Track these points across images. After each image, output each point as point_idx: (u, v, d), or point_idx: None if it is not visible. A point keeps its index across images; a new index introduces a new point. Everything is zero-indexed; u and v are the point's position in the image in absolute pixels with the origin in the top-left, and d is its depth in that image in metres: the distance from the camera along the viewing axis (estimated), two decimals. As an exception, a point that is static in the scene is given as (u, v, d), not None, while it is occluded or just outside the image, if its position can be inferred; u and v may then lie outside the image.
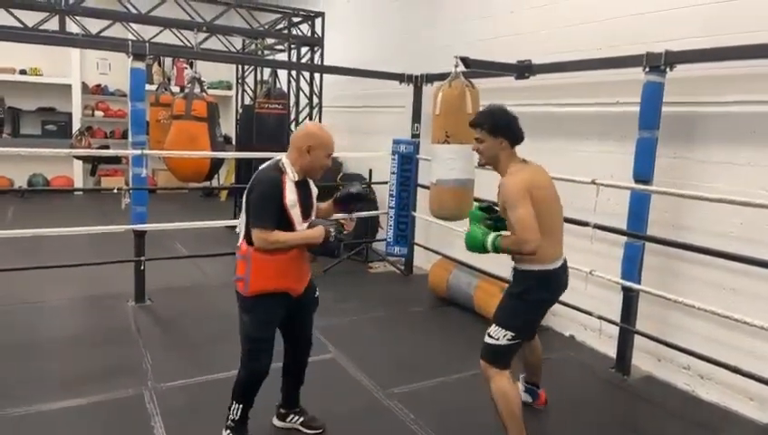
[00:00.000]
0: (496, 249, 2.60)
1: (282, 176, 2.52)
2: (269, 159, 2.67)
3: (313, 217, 2.67)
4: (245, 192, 2.58)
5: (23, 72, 9.89)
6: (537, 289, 2.68)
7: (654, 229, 3.73)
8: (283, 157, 2.60)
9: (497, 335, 2.66)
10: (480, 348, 2.74)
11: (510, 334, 2.64)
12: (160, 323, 4.49)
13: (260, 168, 2.62)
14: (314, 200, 2.73)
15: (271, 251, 2.50)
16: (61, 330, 4.21)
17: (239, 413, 2.72)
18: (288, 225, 2.52)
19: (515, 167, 2.68)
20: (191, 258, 5.85)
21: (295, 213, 2.53)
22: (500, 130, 2.67)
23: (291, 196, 2.50)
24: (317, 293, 2.87)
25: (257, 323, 2.63)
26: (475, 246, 2.67)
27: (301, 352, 2.91)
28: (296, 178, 2.55)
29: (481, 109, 2.89)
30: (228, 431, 2.75)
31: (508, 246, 2.56)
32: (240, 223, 2.65)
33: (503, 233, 2.66)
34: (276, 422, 2.99)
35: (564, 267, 2.77)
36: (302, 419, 2.96)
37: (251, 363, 2.68)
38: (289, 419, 2.97)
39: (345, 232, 2.68)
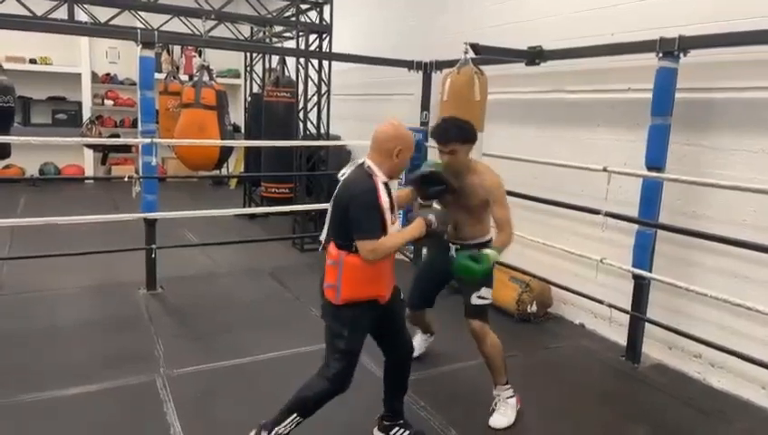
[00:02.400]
0: (497, 258, 2.87)
1: (374, 179, 2.42)
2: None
3: (397, 222, 2.56)
4: (334, 200, 2.46)
5: (33, 61, 9.92)
6: None
7: (666, 217, 3.70)
8: (366, 159, 2.48)
9: (488, 295, 3.06)
10: (471, 311, 3.06)
11: (491, 292, 3.09)
12: (171, 310, 4.53)
13: (347, 174, 2.48)
14: (394, 197, 2.61)
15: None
16: (73, 317, 4.25)
17: (294, 426, 2.50)
18: (383, 227, 2.42)
19: (481, 164, 3.08)
20: (201, 246, 5.88)
21: (388, 215, 2.43)
22: (470, 138, 2.97)
23: (385, 198, 2.41)
24: (402, 295, 2.75)
25: (354, 335, 2.48)
26: (479, 272, 2.74)
27: (403, 357, 2.75)
28: (384, 181, 2.46)
29: (451, 121, 3.08)
30: None
31: (506, 243, 2.91)
32: (325, 229, 2.53)
33: (487, 248, 2.92)
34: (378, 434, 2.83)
35: None
36: (407, 432, 2.80)
37: (340, 379, 2.48)
38: (393, 431, 2.80)
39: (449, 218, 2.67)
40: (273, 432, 2.47)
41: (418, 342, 3.72)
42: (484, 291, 3.03)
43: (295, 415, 2.48)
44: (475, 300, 3.03)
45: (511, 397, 3.08)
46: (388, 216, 2.42)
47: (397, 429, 2.81)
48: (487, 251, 2.81)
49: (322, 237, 2.56)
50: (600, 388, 3.58)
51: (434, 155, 3.58)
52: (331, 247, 2.46)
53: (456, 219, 3.07)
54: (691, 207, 3.72)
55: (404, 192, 3.01)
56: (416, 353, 3.56)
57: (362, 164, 2.47)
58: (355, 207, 2.36)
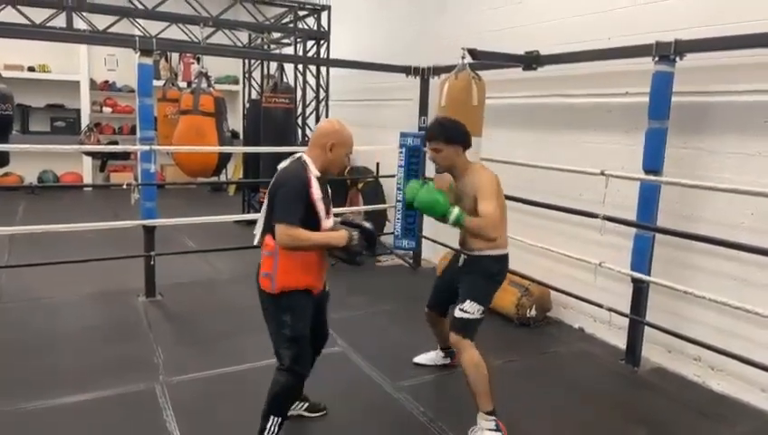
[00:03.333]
0: (457, 222, 2.75)
1: (307, 173, 2.51)
2: (277, 153, 2.65)
3: (331, 218, 2.65)
4: (269, 190, 2.53)
5: (31, 69, 9.95)
6: (503, 271, 3.08)
7: (664, 220, 3.70)
8: (303, 154, 2.59)
9: (472, 310, 2.92)
10: (452, 323, 2.99)
11: (482, 309, 2.95)
12: (171, 317, 4.52)
13: (281, 166, 2.59)
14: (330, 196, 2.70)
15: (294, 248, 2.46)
16: (72, 325, 4.24)
17: (277, 429, 2.56)
18: (314, 220, 2.50)
19: (478, 165, 3.00)
20: (200, 253, 5.88)
21: (320, 207, 2.51)
22: (454, 138, 2.94)
23: (317, 191, 2.50)
24: (327, 286, 2.83)
25: (296, 321, 2.54)
26: (434, 208, 2.77)
27: (321, 344, 2.87)
28: (318, 175, 2.54)
29: (437, 119, 3.19)
30: None
31: (473, 226, 2.78)
32: (259, 221, 2.63)
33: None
34: None
35: None
36: (305, 404, 3.00)
37: (297, 368, 2.56)
38: (293, 407, 2.93)
39: (374, 242, 2.62)
40: None
41: (432, 357, 3.72)
42: (468, 304, 2.93)
43: (272, 417, 2.55)
44: (457, 312, 2.96)
45: (492, 430, 2.83)
46: (320, 207, 2.51)
47: (297, 403, 2.96)
48: (455, 209, 2.74)
49: (257, 231, 2.63)
50: (600, 392, 3.57)
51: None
52: (268, 238, 2.52)
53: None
54: (689, 211, 3.73)
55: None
56: (420, 362, 3.71)
57: (299, 158, 2.58)
58: (281, 193, 2.44)
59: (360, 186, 6.93)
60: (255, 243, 2.63)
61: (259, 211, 7.52)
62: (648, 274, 3.70)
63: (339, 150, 2.58)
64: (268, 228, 2.52)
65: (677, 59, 3.47)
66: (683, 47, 3.41)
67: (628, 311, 3.85)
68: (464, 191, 2.95)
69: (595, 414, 3.28)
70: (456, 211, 2.74)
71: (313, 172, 2.52)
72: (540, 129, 4.89)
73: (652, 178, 3.59)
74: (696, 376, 3.72)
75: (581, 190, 4.35)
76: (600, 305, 4.00)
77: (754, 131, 3.38)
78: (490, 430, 2.83)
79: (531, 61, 4.47)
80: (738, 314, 3.34)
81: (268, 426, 2.55)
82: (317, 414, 3.01)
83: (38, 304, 4.64)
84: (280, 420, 2.56)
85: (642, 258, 3.71)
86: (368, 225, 2.67)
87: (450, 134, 2.94)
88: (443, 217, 2.76)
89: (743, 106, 3.44)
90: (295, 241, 2.42)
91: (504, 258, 3.07)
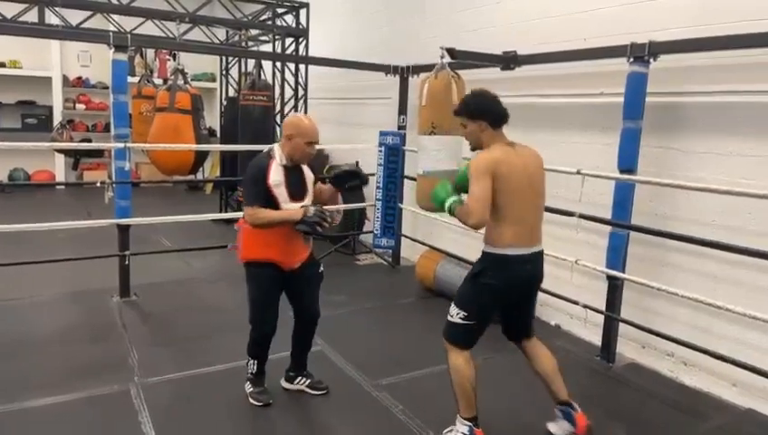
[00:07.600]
0: (450, 211, 2.67)
1: (269, 160, 2.86)
2: (254, 152, 2.92)
3: (307, 200, 2.97)
4: None
5: (2, 64, 9.70)
6: (490, 273, 2.65)
7: (638, 218, 3.76)
8: (276, 144, 2.96)
9: (453, 313, 2.76)
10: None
11: (462, 314, 2.69)
12: (146, 318, 4.46)
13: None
14: (308, 184, 3.04)
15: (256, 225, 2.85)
16: (44, 326, 4.16)
17: (255, 367, 3.14)
18: (274, 203, 2.84)
19: (495, 145, 2.72)
20: (176, 252, 5.81)
21: (279, 192, 2.85)
22: (476, 113, 2.75)
23: (275, 177, 2.84)
24: (321, 268, 3.18)
25: (255, 288, 3.01)
26: (436, 201, 2.76)
27: (304, 323, 3.19)
28: (283, 162, 2.88)
29: (469, 92, 3.00)
30: (248, 383, 3.18)
31: (458, 214, 2.63)
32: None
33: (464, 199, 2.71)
34: (284, 384, 3.31)
35: (529, 259, 2.67)
36: (308, 380, 3.29)
37: (254, 324, 3.05)
38: (296, 381, 3.29)
39: (327, 216, 2.85)
40: (248, 373, 3.17)
41: (563, 425, 2.99)
42: (451, 306, 2.76)
43: (250, 359, 3.15)
44: (447, 316, 2.78)
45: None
46: (278, 192, 2.84)
47: (300, 378, 3.30)
48: (451, 199, 2.65)
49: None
50: (576, 388, 3.60)
51: (412, 159, 3.59)
52: (241, 218, 2.99)
53: None
54: (662, 209, 3.80)
55: (326, 186, 3.23)
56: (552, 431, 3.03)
57: (271, 147, 2.95)
58: (245, 178, 2.90)
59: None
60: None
61: (237, 209, 7.58)
62: (623, 271, 3.76)
63: (296, 140, 2.87)
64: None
65: (651, 60, 3.53)
66: (657, 48, 3.47)
67: (603, 308, 3.91)
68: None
69: (571, 410, 3.31)
70: (450, 200, 2.65)
71: (278, 160, 2.87)
72: (517, 128, 4.87)
73: (626, 176, 3.65)
74: (669, 371, 3.79)
75: (558, 189, 4.39)
76: (575, 302, 4.05)
77: (727, 131, 3.46)
78: (462, 433, 2.75)
79: (508, 61, 4.50)
80: (710, 311, 3.41)
81: (248, 364, 3.16)
82: (317, 392, 3.26)
83: (9, 305, 4.54)
84: (256, 361, 3.13)
85: (617, 256, 3.76)
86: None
87: (471, 108, 2.75)
88: (441, 207, 2.72)
89: (715, 106, 3.51)
90: (256, 220, 2.82)
91: (496, 259, 2.64)
